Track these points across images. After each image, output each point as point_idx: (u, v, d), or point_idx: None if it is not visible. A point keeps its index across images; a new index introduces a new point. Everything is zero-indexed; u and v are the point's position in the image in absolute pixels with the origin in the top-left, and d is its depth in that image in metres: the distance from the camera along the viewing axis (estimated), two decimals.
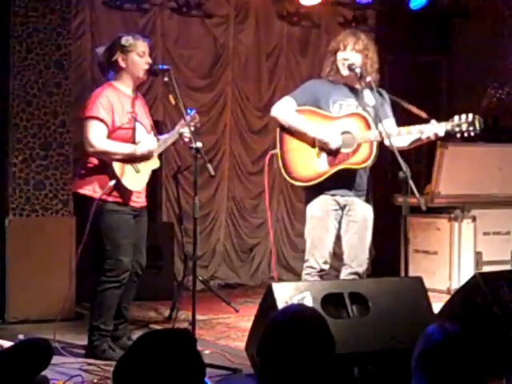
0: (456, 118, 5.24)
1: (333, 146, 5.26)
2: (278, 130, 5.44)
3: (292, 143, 5.37)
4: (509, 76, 8.67)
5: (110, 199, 5.28)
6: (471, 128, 5.22)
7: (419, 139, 5.29)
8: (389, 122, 5.40)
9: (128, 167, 5.29)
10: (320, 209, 5.34)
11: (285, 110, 5.38)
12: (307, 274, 5.36)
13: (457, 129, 5.22)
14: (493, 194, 8.27)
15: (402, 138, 5.27)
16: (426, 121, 5.39)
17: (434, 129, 5.22)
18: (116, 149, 5.26)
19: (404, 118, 5.72)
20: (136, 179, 5.33)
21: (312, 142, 5.33)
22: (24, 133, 6.56)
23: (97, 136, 5.23)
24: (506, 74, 8.73)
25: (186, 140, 5.39)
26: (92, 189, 5.27)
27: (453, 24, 9.30)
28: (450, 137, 5.40)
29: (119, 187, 5.27)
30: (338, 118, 5.35)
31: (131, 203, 5.35)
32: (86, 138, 5.25)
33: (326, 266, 5.34)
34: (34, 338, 4.44)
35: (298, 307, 2.75)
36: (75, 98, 6.93)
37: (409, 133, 5.27)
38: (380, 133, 5.22)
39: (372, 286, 4.87)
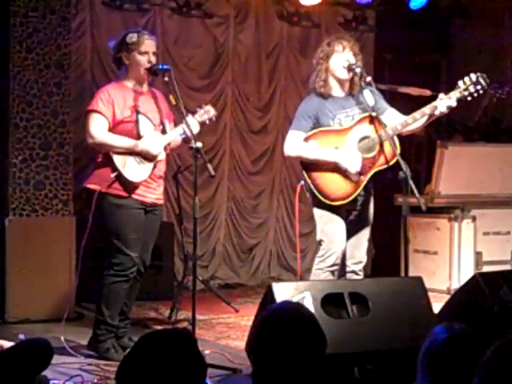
0: (460, 82, 5.30)
1: (352, 171, 5.27)
2: (299, 162, 5.45)
3: (318, 169, 5.34)
4: (509, 76, 8.67)
5: (113, 192, 5.30)
6: (479, 87, 5.28)
7: (433, 115, 5.31)
8: (391, 113, 5.41)
9: (130, 159, 5.31)
10: (330, 207, 5.34)
11: (296, 146, 5.36)
12: (319, 268, 5.35)
13: (466, 93, 5.28)
14: (493, 194, 8.27)
15: (417, 121, 5.29)
16: (432, 97, 5.40)
17: (446, 102, 5.24)
18: (116, 141, 5.30)
19: (406, 101, 5.73)
20: (138, 170, 5.34)
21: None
22: (24, 133, 6.56)
23: (96, 128, 5.30)
24: (506, 74, 8.73)
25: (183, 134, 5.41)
26: (97, 182, 5.30)
27: (453, 24, 9.31)
28: (452, 134, 5.43)
29: (121, 179, 5.29)
30: (351, 128, 5.34)
31: (136, 196, 5.36)
32: (87, 130, 5.35)
33: (339, 261, 5.35)
34: (35, 337, 4.43)
35: (287, 304, 2.75)
36: (75, 98, 6.94)
37: (422, 114, 5.29)
38: (395, 126, 5.25)
39: (372, 285, 4.87)
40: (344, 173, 5.30)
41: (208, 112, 5.59)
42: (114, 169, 5.28)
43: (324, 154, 5.31)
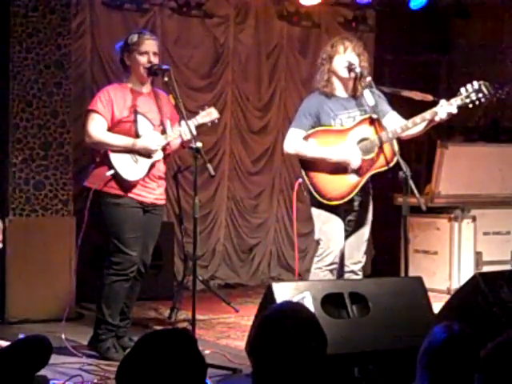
0: (462, 89, 5.27)
1: (354, 164, 5.26)
2: (298, 160, 5.46)
3: (316, 168, 5.35)
4: (509, 76, 8.67)
5: (110, 191, 5.33)
6: (480, 95, 5.26)
7: (433, 121, 5.30)
8: (392, 116, 5.41)
9: (126, 157, 5.33)
10: (328, 206, 5.35)
11: (296, 143, 5.37)
12: (318, 268, 5.36)
13: (467, 100, 5.26)
14: (493, 194, 8.27)
15: (417, 126, 5.29)
16: (433, 102, 5.38)
17: (447, 109, 5.23)
18: (113, 140, 5.33)
19: (407, 105, 5.73)
20: (134, 169, 5.36)
21: (335, 162, 5.33)
22: (24, 133, 6.56)
23: (94, 127, 5.35)
24: (506, 74, 8.73)
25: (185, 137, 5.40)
26: (95, 181, 5.34)
27: (453, 24, 9.31)
28: (452, 134, 5.43)
29: (117, 178, 5.31)
30: (351, 129, 5.35)
31: (133, 195, 5.37)
32: (85, 129, 5.41)
33: (337, 260, 5.35)
34: (33, 335, 4.43)
35: (287, 304, 2.75)
36: (75, 98, 6.94)
37: (423, 119, 5.28)
38: (395, 129, 5.25)
39: (372, 285, 4.87)
40: (342, 173, 5.30)
41: (210, 114, 5.58)
42: (111, 167, 5.31)
43: (323, 152, 5.31)
